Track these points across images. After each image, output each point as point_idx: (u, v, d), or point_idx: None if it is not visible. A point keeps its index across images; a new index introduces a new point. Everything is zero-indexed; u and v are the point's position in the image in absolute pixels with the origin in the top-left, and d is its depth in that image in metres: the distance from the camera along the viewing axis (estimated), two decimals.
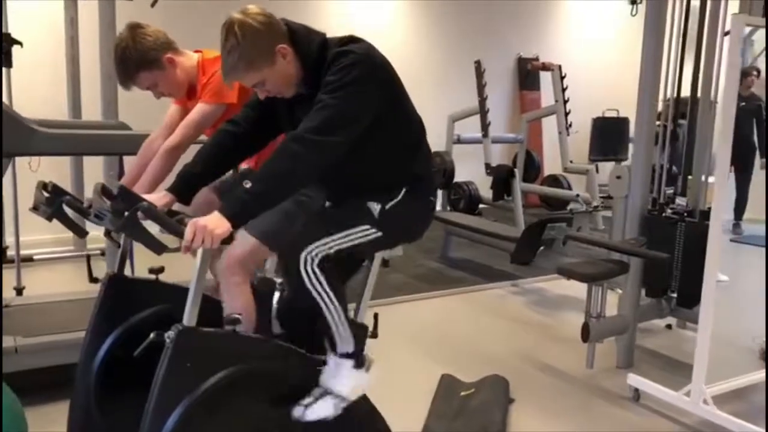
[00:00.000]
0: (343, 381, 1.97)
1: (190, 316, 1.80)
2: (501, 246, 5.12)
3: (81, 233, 2.16)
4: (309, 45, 1.89)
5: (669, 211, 3.70)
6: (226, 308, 2.02)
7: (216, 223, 1.64)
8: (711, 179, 4.04)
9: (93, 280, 2.52)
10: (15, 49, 4.22)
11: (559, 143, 7.61)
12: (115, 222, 1.61)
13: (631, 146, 9.03)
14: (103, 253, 5.45)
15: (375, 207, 1.97)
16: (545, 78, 8.49)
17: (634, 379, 3.15)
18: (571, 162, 7.59)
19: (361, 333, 2.05)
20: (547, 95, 8.58)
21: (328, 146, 1.77)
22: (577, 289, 4.87)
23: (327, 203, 2.14)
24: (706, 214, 3.60)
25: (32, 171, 4.54)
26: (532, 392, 3.21)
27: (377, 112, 1.86)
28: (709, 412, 2.81)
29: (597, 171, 7.50)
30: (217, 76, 2.36)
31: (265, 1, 1.95)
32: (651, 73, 3.61)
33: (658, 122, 9.00)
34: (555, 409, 3.09)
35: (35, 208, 2.14)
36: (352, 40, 1.89)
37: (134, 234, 1.60)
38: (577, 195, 7.03)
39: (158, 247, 1.62)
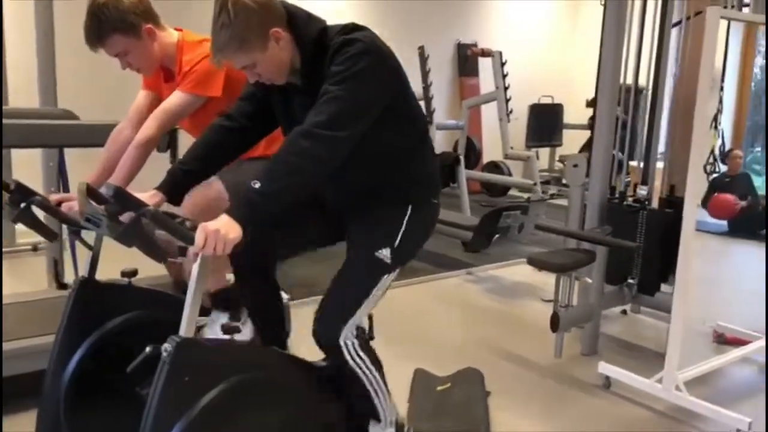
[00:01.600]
0: None
1: (187, 327, 1.66)
2: (452, 234, 5.10)
3: (51, 236, 1.96)
4: (307, 31, 1.78)
5: (630, 199, 3.76)
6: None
7: (228, 227, 1.51)
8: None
9: (61, 285, 2.32)
10: None
11: (500, 130, 7.66)
12: (113, 228, 1.44)
13: (564, 132, 9.31)
14: (34, 249, 5.12)
15: (385, 254, 1.90)
16: (483, 64, 8.53)
17: (605, 367, 3.18)
18: (511, 148, 7.68)
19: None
20: (485, 81, 8.63)
21: (339, 141, 1.66)
22: (530, 275, 4.93)
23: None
24: (666, 202, 3.69)
25: None
26: (505, 383, 3.20)
27: (386, 103, 1.76)
28: (682, 398, 2.86)
29: (537, 157, 7.63)
30: (201, 66, 2.19)
31: None
32: (612, 62, 3.64)
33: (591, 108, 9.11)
34: (530, 400, 3.08)
35: None
36: (355, 27, 1.78)
37: (137, 241, 1.44)
38: (535, 183, 7.12)
39: (161, 255, 1.48)
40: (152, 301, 2.24)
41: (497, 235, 4.74)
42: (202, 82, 2.21)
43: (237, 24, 1.67)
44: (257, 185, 1.57)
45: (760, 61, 9.09)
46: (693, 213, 2.81)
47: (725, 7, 3.34)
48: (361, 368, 1.88)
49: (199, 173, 1.91)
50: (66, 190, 3.86)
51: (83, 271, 2.12)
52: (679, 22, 3.94)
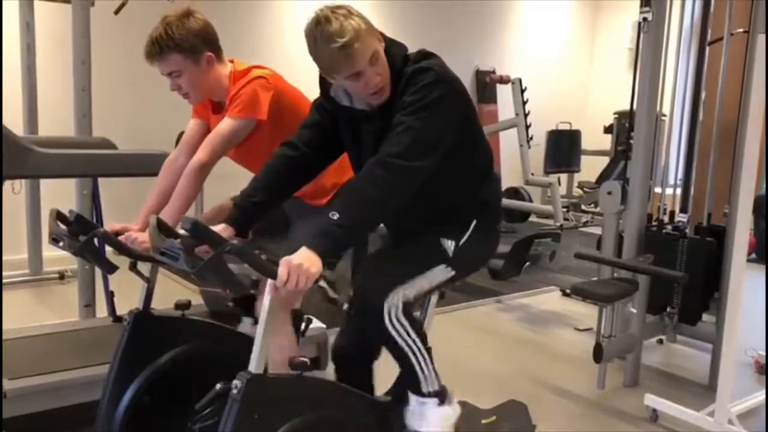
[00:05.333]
0: (430, 420, 1.88)
1: (258, 362, 1.62)
2: None
3: (111, 269, 1.93)
4: (396, 56, 1.78)
5: (668, 227, 3.71)
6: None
7: (310, 261, 1.48)
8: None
9: (117, 319, 2.28)
10: None
11: (521, 156, 7.64)
12: (192, 263, 1.41)
13: (582, 158, 9.30)
14: (61, 277, 5.08)
15: (449, 244, 1.88)
16: (502, 91, 8.53)
17: (651, 399, 3.11)
18: (532, 174, 7.66)
19: None
20: (504, 108, 8.63)
21: (416, 171, 1.65)
22: (561, 304, 4.88)
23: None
24: (706, 230, 3.64)
25: (14, 194, 4.18)
26: (549, 416, 3.13)
27: (458, 132, 1.75)
28: None
29: (559, 183, 7.59)
30: (247, 89, 2.18)
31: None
32: (648, 92, 3.61)
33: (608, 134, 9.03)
34: None
35: (54, 240, 1.92)
36: (425, 55, 1.77)
37: (216, 276, 1.41)
38: (567, 209, 7.07)
39: (240, 289, 1.45)
40: (205, 333, 2.21)
41: (528, 263, 4.69)
42: (249, 105, 2.19)
43: (360, 36, 1.70)
44: (336, 217, 1.54)
45: None
46: (744, 245, 2.76)
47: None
48: (399, 332, 1.79)
49: (266, 204, 1.89)
50: (99, 218, 3.84)
51: (138, 303, 2.09)
52: (714, 42, 3.92)
